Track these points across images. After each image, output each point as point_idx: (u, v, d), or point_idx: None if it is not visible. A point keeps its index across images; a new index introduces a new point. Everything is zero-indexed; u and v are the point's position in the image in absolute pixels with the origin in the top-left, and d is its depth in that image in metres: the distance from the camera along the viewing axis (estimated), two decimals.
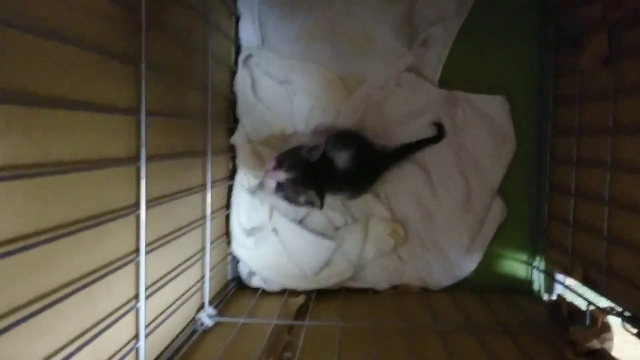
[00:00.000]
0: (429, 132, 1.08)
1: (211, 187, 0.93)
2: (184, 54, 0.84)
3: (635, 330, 0.78)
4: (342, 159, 0.96)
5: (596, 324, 0.85)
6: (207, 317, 0.89)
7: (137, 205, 0.67)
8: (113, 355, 0.62)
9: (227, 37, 1.05)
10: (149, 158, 0.68)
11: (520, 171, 1.10)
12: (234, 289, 1.09)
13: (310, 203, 0.93)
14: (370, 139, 1.04)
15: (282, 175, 0.90)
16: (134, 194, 0.67)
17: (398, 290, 1.09)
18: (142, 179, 0.67)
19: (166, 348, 0.78)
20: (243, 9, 1.08)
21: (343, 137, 1.00)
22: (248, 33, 1.10)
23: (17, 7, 0.45)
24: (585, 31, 0.93)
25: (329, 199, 1.02)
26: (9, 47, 0.45)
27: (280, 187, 0.92)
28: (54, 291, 0.51)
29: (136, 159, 0.66)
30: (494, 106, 1.08)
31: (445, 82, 1.10)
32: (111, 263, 0.62)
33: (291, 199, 0.94)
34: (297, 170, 0.90)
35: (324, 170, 0.94)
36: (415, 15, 1.09)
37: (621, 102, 0.84)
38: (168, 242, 0.76)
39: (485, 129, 1.08)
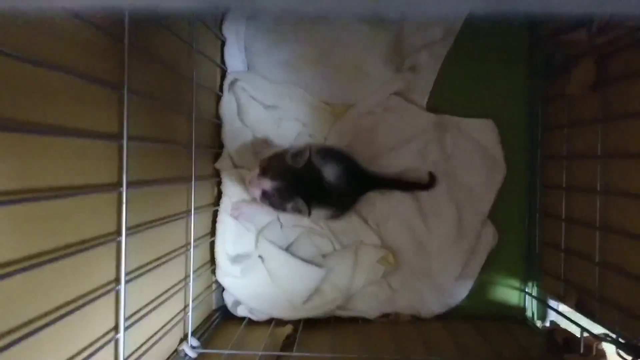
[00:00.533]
0: (419, 160, 1.07)
1: (195, 214, 0.90)
2: (168, 79, 0.83)
3: (629, 358, 0.76)
4: (330, 171, 0.93)
5: (591, 351, 0.83)
6: (190, 349, 0.86)
7: (118, 232, 0.65)
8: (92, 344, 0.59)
9: (213, 62, 1.05)
10: (131, 184, 0.66)
11: (512, 197, 1.09)
12: (219, 319, 1.06)
13: (297, 210, 0.90)
14: (357, 160, 1.02)
15: (267, 184, 0.88)
16: (114, 221, 0.64)
17: (389, 319, 1.07)
18: (124, 205, 0.64)
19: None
20: (228, 34, 1.08)
21: (333, 151, 0.98)
22: (234, 58, 1.09)
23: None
24: (572, 57, 0.93)
25: (314, 217, 1.00)
26: None
27: (265, 195, 0.89)
28: (30, 322, 0.49)
29: (118, 184, 0.64)
30: (483, 130, 1.08)
31: (433, 108, 1.10)
32: (90, 292, 0.59)
33: (277, 206, 0.91)
34: (283, 179, 0.87)
35: (310, 179, 0.90)
36: (403, 41, 1.09)
37: (610, 128, 0.84)
38: (150, 270, 0.74)
39: (474, 153, 1.07)
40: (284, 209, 0.91)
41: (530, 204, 1.09)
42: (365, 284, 1.05)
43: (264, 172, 0.89)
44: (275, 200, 0.89)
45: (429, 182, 1.07)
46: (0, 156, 0.45)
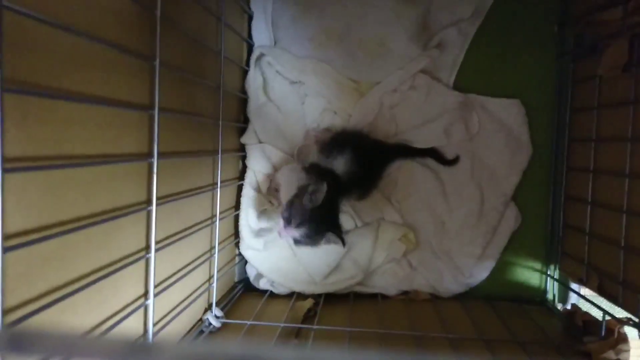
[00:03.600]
0: (444, 139, 1.06)
1: (220, 187, 0.92)
2: (197, 52, 0.83)
3: None
4: (340, 164, 0.94)
5: (612, 335, 0.83)
6: (214, 319, 0.88)
7: (148, 202, 0.66)
8: None
9: (240, 36, 1.05)
10: (161, 155, 0.67)
11: (536, 179, 1.08)
12: (242, 291, 1.08)
13: (332, 242, 0.90)
14: (365, 132, 1.02)
15: (294, 232, 0.88)
16: (145, 191, 0.66)
17: (408, 296, 1.08)
18: (154, 175, 0.66)
19: None
20: (256, 8, 1.08)
21: (334, 142, 0.98)
22: (260, 33, 1.09)
23: (33, 1, 0.44)
24: (604, 38, 0.91)
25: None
26: (26, 40, 0.44)
27: (298, 241, 0.89)
28: (65, 285, 0.50)
29: (148, 155, 0.66)
30: (509, 110, 1.06)
31: (459, 88, 1.09)
32: (121, 259, 0.61)
33: (313, 244, 0.91)
34: (307, 223, 0.87)
35: (331, 198, 0.89)
36: (430, 18, 1.08)
37: None
38: (177, 240, 0.75)
39: (500, 134, 1.06)
40: (319, 245, 0.91)
41: (554, 187, 1.08)
42: (385, 262, 1.06)
43: (288, 222, 0.88)
44: (308, 241, 0.89)
45: (452, 160, 1.07)
46: (36, 122, 0.46)
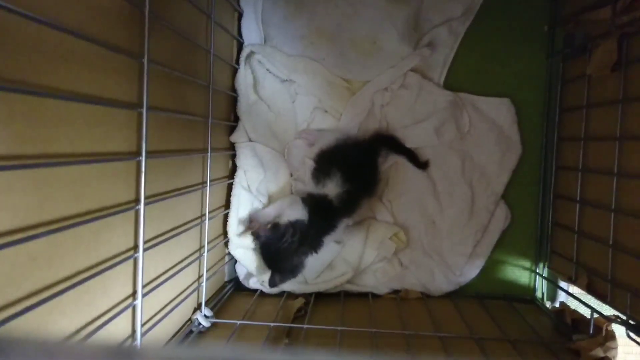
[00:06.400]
0: (435, 138, 1.06)
1: (210, 186, 0.91)
2: (186, 50, 0.82)
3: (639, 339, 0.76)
4: (331, 188, 0.95)
5: (600, 332, 0.83)
6: (203, 318, 0.87)
7: (136, 200, 0.65)
8: None
9: (230, 34, 1.04)
10: (149, 153, 0.66)
11: (525, 177, 1.09)
12: (232, 291, 1.08)
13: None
14: (349, 140, 1.01)
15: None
16: (133, 190, 0.65)
17: (399, 295, 1.08)
18: (142, 174, 0.65)
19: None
20: (246, 6, 1.07)
21: (320, 167, 0.98)
22: (250, 31, 1.09)
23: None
24: (593, 37, 0.92)
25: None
26: (12, 37, 0.43)
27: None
28: (52, 285, 0.50)
29: (137, 153, 0.65)
30: (500, 109, 1.07)
31: (450, 87, 1.09)
32: (109, 259, 0.60)
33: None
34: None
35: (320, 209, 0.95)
36: (420, 17, 1.08)
37: (629, 109, 0.83)
38: (166, 239, 0.75)
39: (490, 132, 1.07)
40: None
41: (544, 185, 1.09)
42: (376, 260, 1.06)
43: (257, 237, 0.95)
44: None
45: (423, 163, 1.07)
46: (22, 120, 0.45)
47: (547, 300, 1.07)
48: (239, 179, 1.06)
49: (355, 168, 0.98)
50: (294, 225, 0.90)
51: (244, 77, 1.05)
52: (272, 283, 0.95)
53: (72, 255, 0.53)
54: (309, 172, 0.99)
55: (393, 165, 1.08)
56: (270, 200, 1.06)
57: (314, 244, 0.94)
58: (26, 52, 0.45)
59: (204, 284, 0.90)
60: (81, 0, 0.53)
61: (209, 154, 0.90)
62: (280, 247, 0.90)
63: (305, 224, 0.91)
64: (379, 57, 1.06)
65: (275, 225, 0.90)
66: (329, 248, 1.01)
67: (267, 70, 1.07)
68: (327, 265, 1.04)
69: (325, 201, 0.95)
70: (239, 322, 0.89)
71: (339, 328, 0.87)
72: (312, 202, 0.94)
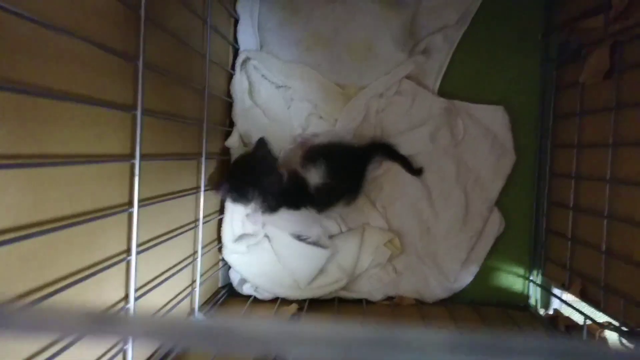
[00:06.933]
0: (429, 145, 1.06)
1: (204, 190, 0.91)
2: (181, 54, 0.83)
3: (632, 346, 0.76)
4: (314, 176, 0.96)
5: (593, 339, 0.83)
6: None
7: (130, 203, 0.65)
8: (101, 357, 0.60)
9: (226, 39, 1.04)
10: (144, 156, 0.66)
11: (519, 184, 1.09)
12: (225, 296, 1.07)
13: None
14: (344, 142, 1.03)
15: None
16: (127, 192, 0.65)
17: (393, 302, 1.07)
18: (136, 177, 0.65)
19: (154, 352, 0.75)
20: (242, 12, 1.08)
21: (310, 155, 0.99)
22: (246, 36, 1.09)
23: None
24: (586, 45, 0.93)
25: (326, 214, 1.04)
26: (7, 37, 0.43)
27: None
28: (45, 286, 0.49)
29: (131, 156, 0.65)
30: (494, 117, 1.07)
31: (445, 94, 1.09)
32: (103, 261, 0.60)
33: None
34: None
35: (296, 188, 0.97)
36: (416, 24, 1.08)
37: (622, 116, 0.84)
38: (160, 243, 0.74)
39: (484, 139, 1.07)
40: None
41: (538, 192, 1.09)
42: (371, 267, 1.06)
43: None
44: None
45: (417, 170, 1.07)
46: (16, 120, 0.45)
47: (541, 307, 1.07)
48: None
49: (342, 169, 0.99)
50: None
51: (239, 83, 1.06)
52: (223, 186, 0.95)
53: (66, 256, 0.53)
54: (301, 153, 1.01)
55: (387, 172, 1.08)
56: None
57: (272, 199, 0.96)
58: (21, 52, 0.45)
59: (197, 288, 0.90)
60: (77, 1, 0.53)
61: (203, 158, 0.90)
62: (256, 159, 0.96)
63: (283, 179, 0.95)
64: (374, 63, 1.07)
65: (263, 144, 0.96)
66: (316, 253, 1.02)
67: (263, 75, 1.07)
68: (318, 270, 1.03)
69: (303, 182, 0.96)
70: None
71: None
72: (293, 177, 0.96)
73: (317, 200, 0.98)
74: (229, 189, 0.94)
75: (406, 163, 1.06)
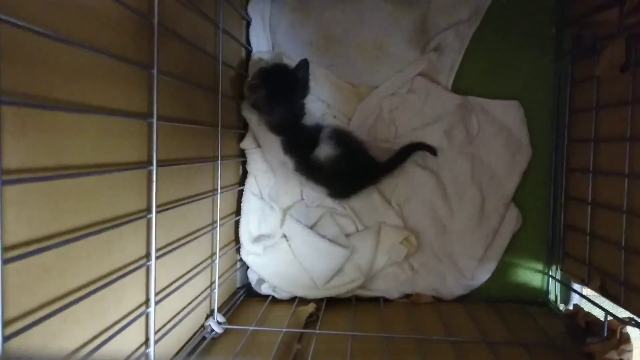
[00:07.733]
0: (444, 142, 1.06)
1: (220, 193, 0.92)
2: (195, 59, 0.83)
3: None
4: (323, 151, 0.98)
5: (614, 335, 0.82)
6: (216, 325, 0.88)
7: (148, 209, 0.66)
8: None
9: (238, 42, 1.05)
10: (160, 162, 0.67)
11: (536, 180, 1.08)
12: (243, 297, 1.08)
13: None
14: (365, 150, 1.04)
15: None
16: (144, 199, 0.66)
17: (410, 300, 1.08)
18: (154, 183, 0.66)
19: (175, 354, 0.77)
20: (254, 14, 1.08)
21: (340, 134, 1.01)
22: (258, 38, 1.10)
23: (31, 14, 0.45)
24: (601, 38, 0.91)
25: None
26: (26, 53, 0.44)
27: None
28: (66, 295, 0.51)
29: (148, 163, 0.66)
30: (509, 112, 1.07)
31: (458, 90, 1.09)
32: (122, 268, 0.61)
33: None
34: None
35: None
36: (427, 21, 1.08)
37: (639, 110, 0.82)
38: (178, 247, 0.76)
39: (499, 135, 1.06)
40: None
41: (555, 187, 1.08)
42: (387, 265, 1.06)
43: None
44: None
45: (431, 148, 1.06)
46: (35, 133, 0.46)
47: (561, 302, 1.06)
48: (250, 185, 1.06)
49: (357, 162, 1.01)
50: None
51: None
52: (260, 90, 0.97)
53: (85, 264, 0.54)
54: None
55: (402, 170, 1.07)
56: (281, 207, 1.07)
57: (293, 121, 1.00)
58: (39, 67, 0.46)
59: (216, 290, 0.91)
60: (91, 13, 0.54)
61: (219, 161, 0.91)
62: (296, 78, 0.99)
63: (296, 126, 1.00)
64: (386, 62, 1.07)
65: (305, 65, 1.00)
66: (334, 251, 1.02)
67: None
68: (336, 271, 1.04)
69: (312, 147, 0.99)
70: (251, 328, 0.89)
71: (350, 333, 0.87)
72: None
73: (316, 168, 1.00)
74: (266, 94, 0.96)
75: (421, 147, 1.06)
